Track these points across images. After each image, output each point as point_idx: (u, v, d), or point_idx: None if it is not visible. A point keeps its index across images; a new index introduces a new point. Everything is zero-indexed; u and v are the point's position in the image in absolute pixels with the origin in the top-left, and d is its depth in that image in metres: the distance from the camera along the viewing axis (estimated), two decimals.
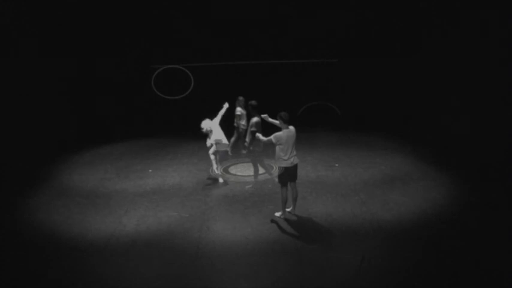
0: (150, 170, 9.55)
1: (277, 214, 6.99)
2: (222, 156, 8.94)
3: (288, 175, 6.79)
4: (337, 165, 9.53)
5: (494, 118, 10.06)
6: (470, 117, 10.69)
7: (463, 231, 6.38)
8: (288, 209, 7.01)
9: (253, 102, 8.29)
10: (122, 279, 5.49)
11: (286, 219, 6.91)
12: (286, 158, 6.70)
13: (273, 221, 6.88)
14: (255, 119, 7.76)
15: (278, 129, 6.83)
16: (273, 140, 6.68)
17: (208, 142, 8.60)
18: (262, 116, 7.22)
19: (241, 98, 9.91)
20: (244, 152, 9.65)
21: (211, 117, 8.64)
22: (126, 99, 13.70)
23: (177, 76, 12.81)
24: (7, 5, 10.48)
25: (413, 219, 6.79)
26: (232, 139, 9.97)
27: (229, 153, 9.95)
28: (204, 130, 8.44)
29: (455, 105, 11.17)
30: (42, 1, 11.55)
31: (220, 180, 8.67)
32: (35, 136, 10.97)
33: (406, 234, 6.35)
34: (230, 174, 9.12)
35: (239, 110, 9.71)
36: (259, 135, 7.00)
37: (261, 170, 9.28)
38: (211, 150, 8.53)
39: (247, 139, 8.28)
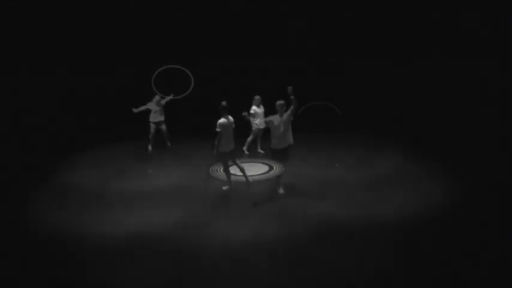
0: (150, 170, 9.55)
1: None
2: None
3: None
4: (337, 165, 9.53)
5: (495, 118, 10.08)
6: (471, 117, 10.70)
7: (463, 232, 6.37)
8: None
9: (223, 103, 8.28)
10: (122, 279, 5.48)
11: (286, 219, 6.91)
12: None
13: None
14: (220, 120, 7.78)
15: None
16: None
17: None
18: (289, 88, 7.47)
19: (257, 97, 10.03)
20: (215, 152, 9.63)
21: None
22: (126, 99, 13.68)
23: (177, 76, 12.81)
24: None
25: (413, 219, 6.78)
26: (249, 139, 10.24)
27: (246, 152, 10.30)
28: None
29: (455, 105, 11.17)
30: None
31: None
32: (35, 136, 10.99)
33: (406, 234, 6.35)
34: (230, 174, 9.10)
35: (253, 109, 9.83)
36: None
37: (261, 171, 9.29)
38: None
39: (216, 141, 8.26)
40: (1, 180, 8.98)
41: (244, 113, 7.78)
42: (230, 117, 7.92)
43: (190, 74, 10.96)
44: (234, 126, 7.94)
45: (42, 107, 11.60)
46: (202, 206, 7.61)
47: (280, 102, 7.69)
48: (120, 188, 8.54)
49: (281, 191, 8.00)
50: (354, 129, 12.49)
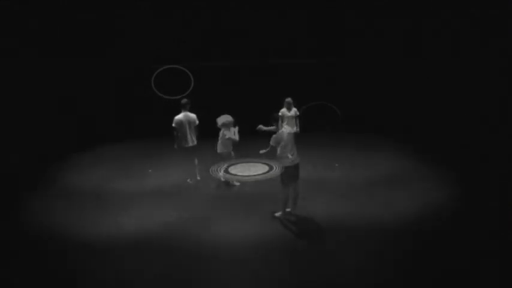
0: (150, 170, 9.55)
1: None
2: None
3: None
4: (337, 165, 9.53)
5: (494, 118, 10.08)
6: (470, 117, 10.70)
7: (463, 232, 6.38)
8: None
9: (183, 100, 8.27)
10: (122, 279, 5.49)
11: (286, 220, 6.91)
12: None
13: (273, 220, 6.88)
14: (176, 117, 7.90)
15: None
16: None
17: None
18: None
19: (288, 99, 9.85)
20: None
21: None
22: (126, 99, 13.69)
23: (177, 76, 12.82)
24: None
25: (413, 219, 6.79)
26: None
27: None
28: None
29: (455, 106, 11.17)
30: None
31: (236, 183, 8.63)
32: (36, 136, 10.98)
33: (406, 234, 6.35)
34: (230, 174, 9.10)
35: (281, 111, 9.78)
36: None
37: (262, 170, 9.29)
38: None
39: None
40: (1, 180, 8.98)
41: (259, 127, 7.06)
42: (190, 114, 8.03)
43: (190, 74, 10.97)
44: (197, 122, 8.09)
45: (41, 107, 11.58)
46: (203, 205, 7.61)
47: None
48: (120, 188, 8.54)
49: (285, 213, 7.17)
50: (354, 129, 12.49)
